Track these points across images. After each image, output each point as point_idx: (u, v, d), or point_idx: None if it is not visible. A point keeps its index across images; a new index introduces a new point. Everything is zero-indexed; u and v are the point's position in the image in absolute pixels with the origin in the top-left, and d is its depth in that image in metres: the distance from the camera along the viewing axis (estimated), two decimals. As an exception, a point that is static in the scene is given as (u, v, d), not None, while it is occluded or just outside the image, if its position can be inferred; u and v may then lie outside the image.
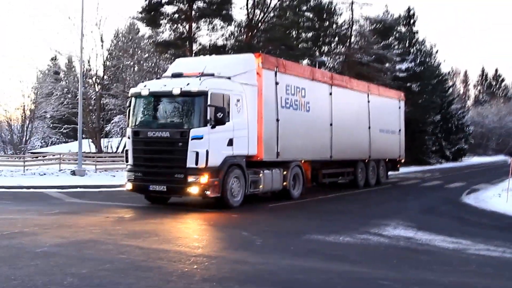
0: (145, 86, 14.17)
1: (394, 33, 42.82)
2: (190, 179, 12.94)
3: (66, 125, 43.98)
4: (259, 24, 33.61)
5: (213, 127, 13.06)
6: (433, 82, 45.99)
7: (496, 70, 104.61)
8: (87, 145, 37.23)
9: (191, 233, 10.68)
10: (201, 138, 12.91)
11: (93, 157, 29.84)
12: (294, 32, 37.97)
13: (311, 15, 37.99)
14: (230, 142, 13.68)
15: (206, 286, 6.20)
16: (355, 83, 21.50)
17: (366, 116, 21.62)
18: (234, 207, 13.64)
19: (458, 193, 19.50)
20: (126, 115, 15.33)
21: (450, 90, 55.99)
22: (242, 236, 10.18)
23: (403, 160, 25.45)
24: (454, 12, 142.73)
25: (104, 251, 8.31)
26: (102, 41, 35.39)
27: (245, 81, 14.58)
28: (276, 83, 15.57)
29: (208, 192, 13.01)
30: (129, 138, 13.99)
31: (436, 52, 49.61)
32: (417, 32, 47.18)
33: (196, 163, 12.83)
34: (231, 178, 13.61)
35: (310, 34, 38.57)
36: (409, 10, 46.72)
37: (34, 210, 13.21)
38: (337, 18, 39.50)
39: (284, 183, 15.81)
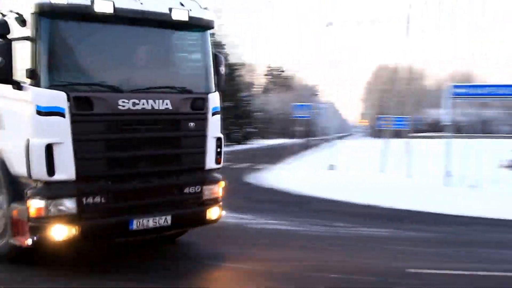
0: None
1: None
2: (208, 191, 7.17)
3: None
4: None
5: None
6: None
7: (279, 64, 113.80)
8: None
9: None
10: (219, 111, 7.33)
11: None
12: None
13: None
14: None
15: None
16: None
17: None
18: None
19: (242, 173, 20.74)
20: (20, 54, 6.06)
21: (238, 79, 59.53)
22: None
23: None
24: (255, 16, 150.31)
25: None
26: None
27: None
28: None
29: (223, 212, 7.59)
30: (54, 115, 5.91)
31: (224, 44, 52.02)
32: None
33: (218, 161, 7.31)
34: None
35: None
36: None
37: None
38: None
39: None
